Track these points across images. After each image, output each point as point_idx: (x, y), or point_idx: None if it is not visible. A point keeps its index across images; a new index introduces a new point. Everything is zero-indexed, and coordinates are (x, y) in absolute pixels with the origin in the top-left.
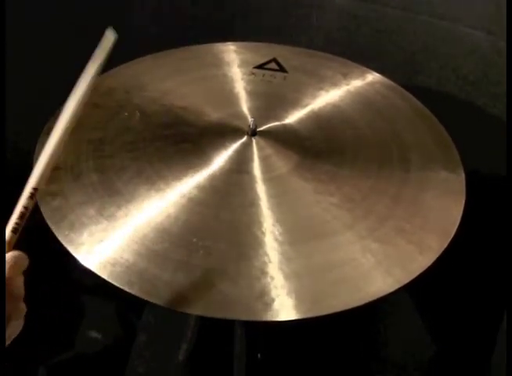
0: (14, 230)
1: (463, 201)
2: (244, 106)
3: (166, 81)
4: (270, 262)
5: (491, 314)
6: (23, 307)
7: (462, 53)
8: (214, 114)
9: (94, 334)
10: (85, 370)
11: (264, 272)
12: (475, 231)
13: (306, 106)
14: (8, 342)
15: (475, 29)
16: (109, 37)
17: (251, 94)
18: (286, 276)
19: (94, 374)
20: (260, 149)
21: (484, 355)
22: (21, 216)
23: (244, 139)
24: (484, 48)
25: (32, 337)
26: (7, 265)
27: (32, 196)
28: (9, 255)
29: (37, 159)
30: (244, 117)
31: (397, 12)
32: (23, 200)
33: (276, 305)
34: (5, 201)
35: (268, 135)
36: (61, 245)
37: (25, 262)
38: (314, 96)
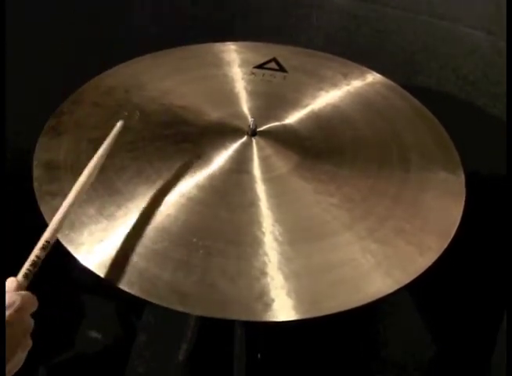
0: (25, 275)
1: (463, 202)
2: (244, 106)
3: (165, 80)
4: (270, 262)
5: (491, 314)
6: (29, 342)
7: (462, 53)
8: (214, 114)
9: (94, 334)
10: (85, 370)
11: (263, 273)
12: (475, 231)
13: (306, 106)
14: None
15: (475, 29)
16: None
17: (251, 94)
18: (286, 277)
19: (94, 374)
20: (260, 149)
21: (484, 355)
22: (33, 264)
23: (244, 139)
24: (484, 48)
25: (32, 337)
26: (23, 301)
27: (45, 247)
28: (25, 294)
29: (36, 159)
30: (244, 117)
31: (397, 12)
32: (36, 250)
33: (276, 305)
34: (4, 201)
35: (268, 135)
36: (61, 245)
37: (36, 303)
38: (314, 96)
